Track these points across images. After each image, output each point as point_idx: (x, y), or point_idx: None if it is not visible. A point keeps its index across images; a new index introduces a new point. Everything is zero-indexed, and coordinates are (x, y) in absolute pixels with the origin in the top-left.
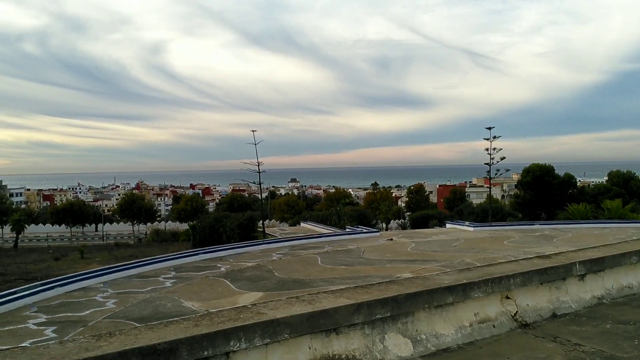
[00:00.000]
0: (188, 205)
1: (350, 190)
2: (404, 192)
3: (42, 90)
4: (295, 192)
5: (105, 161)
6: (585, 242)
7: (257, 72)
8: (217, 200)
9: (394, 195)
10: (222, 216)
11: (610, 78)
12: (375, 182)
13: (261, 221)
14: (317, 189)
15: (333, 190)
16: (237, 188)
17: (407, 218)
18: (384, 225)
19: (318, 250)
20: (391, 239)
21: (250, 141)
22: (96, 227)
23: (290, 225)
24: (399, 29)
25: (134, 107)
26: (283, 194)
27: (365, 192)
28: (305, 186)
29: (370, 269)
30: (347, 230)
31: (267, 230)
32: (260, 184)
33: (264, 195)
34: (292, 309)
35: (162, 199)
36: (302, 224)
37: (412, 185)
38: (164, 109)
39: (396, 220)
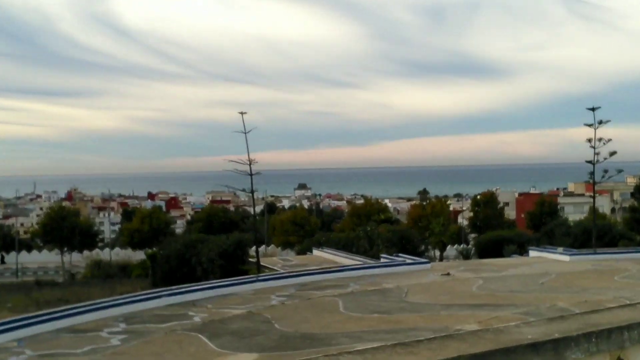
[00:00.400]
0: (145, 224)
1: (386, 201)
2: (466, 204)
3: None
4: (305, 204)
5: (20, 158)
6: None
7: (250, 26)
8: (189, 217)
9: (451, 208)
10: (195, 240)
11: None
12: (424, 188)
13: (254, 248)
14: (338, 200)
15: (361, 202)
16: (219, 198)
17: (471, 242)
18: (437, 253)
19: (339, 290)
20: (448, 274)
21: (238, 128)
22: (2, 259)
23: (298, 254)
24: None
25: (63, 78)
26: (287, 206)
27: (409, 203)
28: (319, 195)
29: (417, 319)
30: (383, 261)
31: (263, 262)
32: (252, 192)
33: (258, 208)
34: None
35: (107, 214)
36: (315, 252)
37: (479, 194)
38: (109, 80)
39: (455, 246)
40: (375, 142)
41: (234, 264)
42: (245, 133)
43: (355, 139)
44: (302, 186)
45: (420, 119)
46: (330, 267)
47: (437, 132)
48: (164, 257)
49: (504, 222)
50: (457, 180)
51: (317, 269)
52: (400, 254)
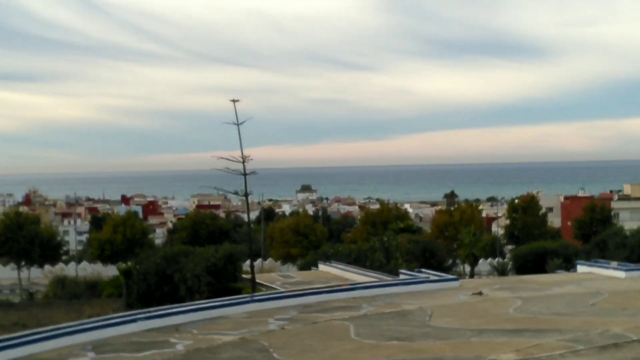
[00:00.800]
0: (118, 233)
1: (406, 206)
2: (502, 210)
3: None
4: (310, 209)
5: None
6: None
7: None
8: (170, 225)
9: (484, 214)
10: (178, 253)
11: None
12: (452, 191)
13: (249, 262)
14: (348, 204)
15: (376, 207)
16: (206, 202)
17: (507, 255)
18: (467, 268)
19: (350, 312)
20: (480, 293)
21: (229, 119)
22: None
23: (301, 269)
24: None
25: (21, 59)
26: (288, 212)
27: (433, 209)
28: (326, 199)
29: (443, 347)
30: (403, 277)
31: (259, 278)
32: (247, 195)
33: (253, 215)
34: None
35: (72, 221)
36: (321, 267)
37: (517, 198)
38: (77, 61)
39: (489, 260)
40: (393, 135)
41: (225, 282)
42: (238, 125)
43: (370, 132)
44: (305, 188)
45: (447, 108)
46: (339, 285)
47: (468, 123)
48: (141, 273)
49: (547, 232)
50: (490, 181)
51: (323, 288)
52: (423, 270)
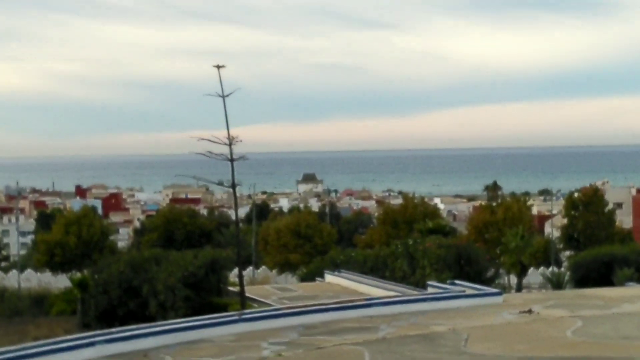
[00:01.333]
0: (71, 234)
1: (437, 200)
2: (557, 205)
3: None
4: (314, 204)
5: None
6: None
7: None
8: (138, 224)
9: (535, 211)
10: (148, 260)
11: None
12: (495, 182)
13: (237, 270)
14: (363, 198)
15: (399, 202)
16: (183, 195)
17: (564, 263)
18: (513, 279)
19: (365, 335)
20: (529, 311)
21: (212, 90)
22: None
23: (303, 280)
24: None
25: None
26: (287, 208)
27: (471, 204)
28: (335, 192)
29: None
30: (431, 291)
31: (249, 292)
32: (234, 186)
33: (243, 211)
34: None
35: (14, 218)
36: (328, 277)
37: (577, 190)
38: (17, 15)
39: (541, 269)
40: (420, 111)
41: (206, 296)
42: (223, 97)
43: (391, 107)
44: (309, 178)
45: (488, 77)
46: (351, 301)
47: (514, 96)
48: (100, 284)
49: (615, 234)
50: (543, 170)
51: (331, 304)
52: (457, 281)
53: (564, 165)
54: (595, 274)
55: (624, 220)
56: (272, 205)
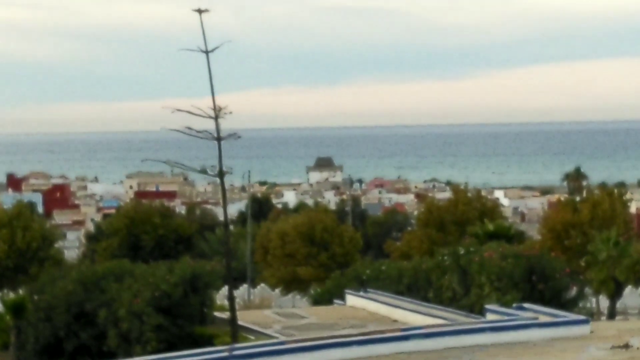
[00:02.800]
0: (1, 241)
1: (499, 194)
2: None
3: None
4: (332, 198)
5: None
6: None
7: None
8: (92, 227)
9: (634, 209)
10: (105, 275)
11: None
12: (578, 168)
13: (226, 290)
14: (397, 192)
15: (446, 196)
16: (153, 188)
17: None
18: (604, 301)
19: None
20: (626, 346)
21: (191, 43)
22: None
23: (317, 303)
24: None
25: None
26: (293, 204)
27: (545, 199)
28: (359, 183)
29: None
30: (491, 318)
31: (243, 319)
32: (221, 174)
33: (234, 208)
34: None
35: None
36: (350, 299)
37: None
38: None
39: None
40: (475, 71)
41: (185, 324)
42: (207, 53)
43: (435, 66)
44: (323, 163)
45: (571, 25)
46: (381, 332)
47: (607, 50)
48: (42, 308)
49: None
50: None
51: (354, 336)
52: (526, 305)
53: None
54: None
55: None
56: (274, 201)
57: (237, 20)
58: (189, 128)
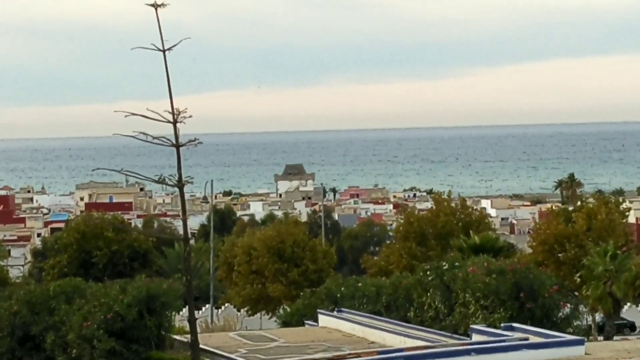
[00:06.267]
0: None
1: (485, 203)
2: None
3: None
4: (303, 209)
5: None
6: None
7: None
8: (38, 242)
9: (633, 218)
10: (52, 296)
11: None
12: (572, 175)
13: (187, 311)
14: (374, 202)
15: (428, 206)
16: (107, 200)
17: None
18: (600, 319)
19: None
20: None
21: (146, 41)
22: None
23: (286, 324)
24: None
25: None
26: (261, 216)
27: (536, 209)
28: (333, 192)
29: None
30: (477, 339)
31: (207, 342)
32: (181, 183)
33: (195, 221)
34: None
35: None
36: (322, 320)
37: None
38: None
39: None
40: (463, 68)
41: (140, 348)
42: (163, 51)
43: (420, 65)
44: (293, 171)
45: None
46: (357, 355)
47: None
48: None
49: None
50: None
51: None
52: (515, 325)
53: None
54: None
55: None
56: (239, 213)
57: (198, 15)
58: (145, 134)
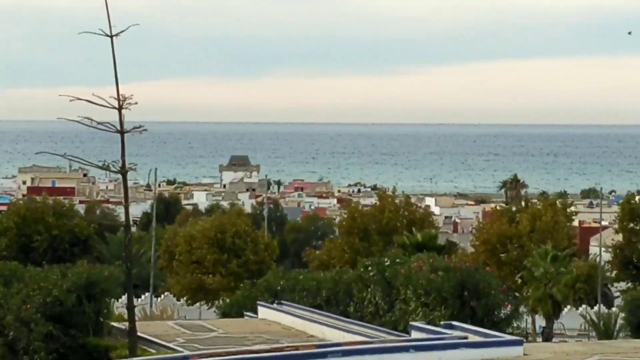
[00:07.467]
0: None
1: (429, 201)
2: (609, 214)
3: None
4: (247, 201)
5: None
6: None
7: None
8: None
9: (575, 222)
10: None
11: None
12: (515, 176)
13: (126, 298)
14: (318, 196)
15: (372, 202)
16: (49, 184)
17: (619, 300)
18: (539, 321)
19: None
20: None
21: (94, 26)
22: None
23: (225, 315)
24: None
25: None
26: (205, 207)
27: (480, 208)
28: (278, 185)
29: None
30: (416, 336)
31: (145, 330)
32: (124, 170)
33: (138, 209)
34: None
35: None
36: (262, 312)
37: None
38: None
39: (583, 308)
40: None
41: (79, 334)
42: (111, 37)
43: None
44: (238, 162)
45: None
46: (295, 347)
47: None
48: None
49: None
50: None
51: (265, 351)
52: (455, 323)
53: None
54: None
55: None
56: (183, 202)
57: (147, 2)
58: (90, 119)
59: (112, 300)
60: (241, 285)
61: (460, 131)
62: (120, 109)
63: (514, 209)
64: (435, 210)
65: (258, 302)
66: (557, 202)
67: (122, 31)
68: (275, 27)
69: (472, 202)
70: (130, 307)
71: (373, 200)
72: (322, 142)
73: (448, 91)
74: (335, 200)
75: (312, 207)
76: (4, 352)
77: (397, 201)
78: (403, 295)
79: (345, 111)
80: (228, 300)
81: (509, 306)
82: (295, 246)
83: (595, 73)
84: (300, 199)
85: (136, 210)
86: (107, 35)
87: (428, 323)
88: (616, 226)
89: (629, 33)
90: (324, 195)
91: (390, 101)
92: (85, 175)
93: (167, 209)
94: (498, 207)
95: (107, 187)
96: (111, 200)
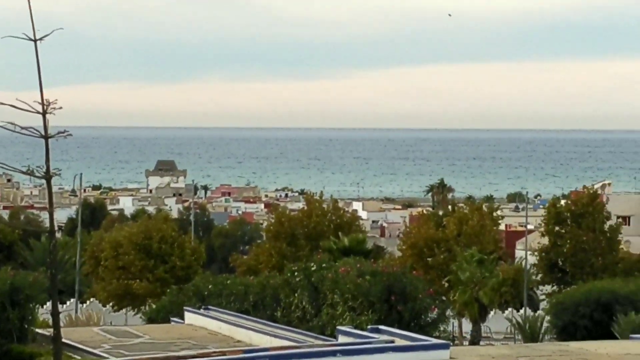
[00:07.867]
0: None
1: (357, 206)
2: (535, 217)
3: None
4: (174, 206)
5: None
6: None
7: None
8: None
9: (502, 226)
10: None
11: None
12: (442, 180)
13: (50, 305)
14: (246, 201)
15: (299, 206)
16: None
17: (544, 304)
18: (466, 325)
19: None
20: None
21: (18, 29)
22: None
23: (151, 321)
24: None
25: None
26: (130, 211)
27: (407, 213)
28: (205, 190)
29: None
30: (343, 340)
31: (70, 336)
32: (49, 175)
33: (63, 214)
34: None
35: None
36: (188, 317)
37: (565, 195)
38: None
39: (509, 311)
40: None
41: (2, 341)
42: (35, 41)
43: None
44: (165, 167)
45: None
46: (222, 352)
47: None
48: None
49: (618, 262)
50: (518, 164)
51: (192, 357)
52: (382, 327)
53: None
54: (588, 321)
55: (634, 242)
56: (109, 207)
57: (72, 7)
58: (13, 124)
59: (37, 306)
60: (168, 290)
61: (387, 135)
62: (44, 113)
63: (440, 213)
64: (363, 214)
65: (185, 307)
66: (484, 206)
67: (46, 35)
68: (201, 32)
69: (399, 207)
70: (55, 314)
71: (300, 204)
72: (249, 147)
73: (374, 96)
74: (262, 205)
75: (240, 212)
76: None
77: (324, 206)
78: (330, 300)
79: (271, 116)
80: (154, 306)
81: (436, 310)
82: (222, 251)
83: (521, 78)
84: (228, 204)
85: (61, 216)
86: (30, 40)
87: (355, 327)
88: (542, 229)
89: (449, 15)
90: (251, 200)
91: (316, 105)
92: (9, 180)
93: (93, 214)
94: (425, 212)
95: (31, 192)
96: (35, 205)
